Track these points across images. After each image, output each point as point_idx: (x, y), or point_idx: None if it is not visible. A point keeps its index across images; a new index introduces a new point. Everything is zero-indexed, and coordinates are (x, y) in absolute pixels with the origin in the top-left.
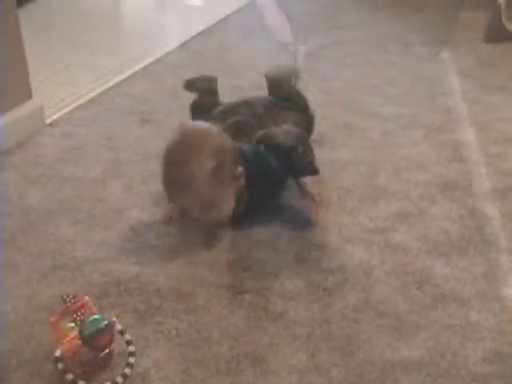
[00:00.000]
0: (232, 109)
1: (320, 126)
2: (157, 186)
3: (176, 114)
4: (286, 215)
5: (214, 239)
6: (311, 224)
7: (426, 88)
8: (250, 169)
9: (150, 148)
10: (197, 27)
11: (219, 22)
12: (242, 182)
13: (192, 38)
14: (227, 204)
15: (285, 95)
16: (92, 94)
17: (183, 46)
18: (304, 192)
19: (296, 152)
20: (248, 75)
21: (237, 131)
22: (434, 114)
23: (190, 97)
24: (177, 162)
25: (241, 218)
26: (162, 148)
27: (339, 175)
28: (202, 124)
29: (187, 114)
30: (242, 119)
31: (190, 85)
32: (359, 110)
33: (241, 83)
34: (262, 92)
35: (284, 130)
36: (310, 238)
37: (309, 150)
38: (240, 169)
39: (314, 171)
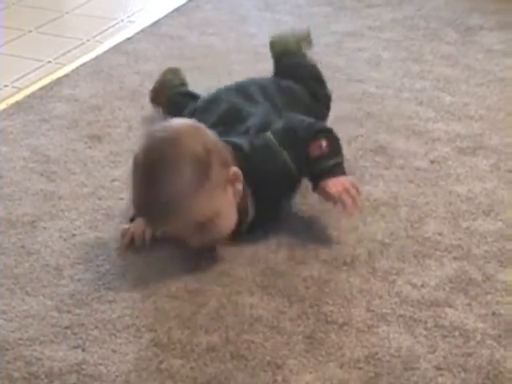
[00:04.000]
0: (219, 96)
1: (343, 149)
2: (111, 232)
3: (140, 127)
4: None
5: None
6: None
7: (498, 95)
8: (250, 167)
9: (103, 176)
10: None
11: None
12: (240, 186)
13: (166, 16)
14: (228, 217)
15: (294, 65)
16: (17, 97)
17: (151, 27)
18: (326, 193)
19: (318, 145)
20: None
21: (229, 121)
22: (508, 135)
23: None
24: (151, 179)
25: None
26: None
27: (369, 221)
28: (167, 124)
29: None
30: (235, 104)
31: (158, 92)
32: (399, 126)
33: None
34: None
35: (299, 118)
36: (326, 313)
37: (336, 147)
38: (234, 169)
39: (340, 172)
